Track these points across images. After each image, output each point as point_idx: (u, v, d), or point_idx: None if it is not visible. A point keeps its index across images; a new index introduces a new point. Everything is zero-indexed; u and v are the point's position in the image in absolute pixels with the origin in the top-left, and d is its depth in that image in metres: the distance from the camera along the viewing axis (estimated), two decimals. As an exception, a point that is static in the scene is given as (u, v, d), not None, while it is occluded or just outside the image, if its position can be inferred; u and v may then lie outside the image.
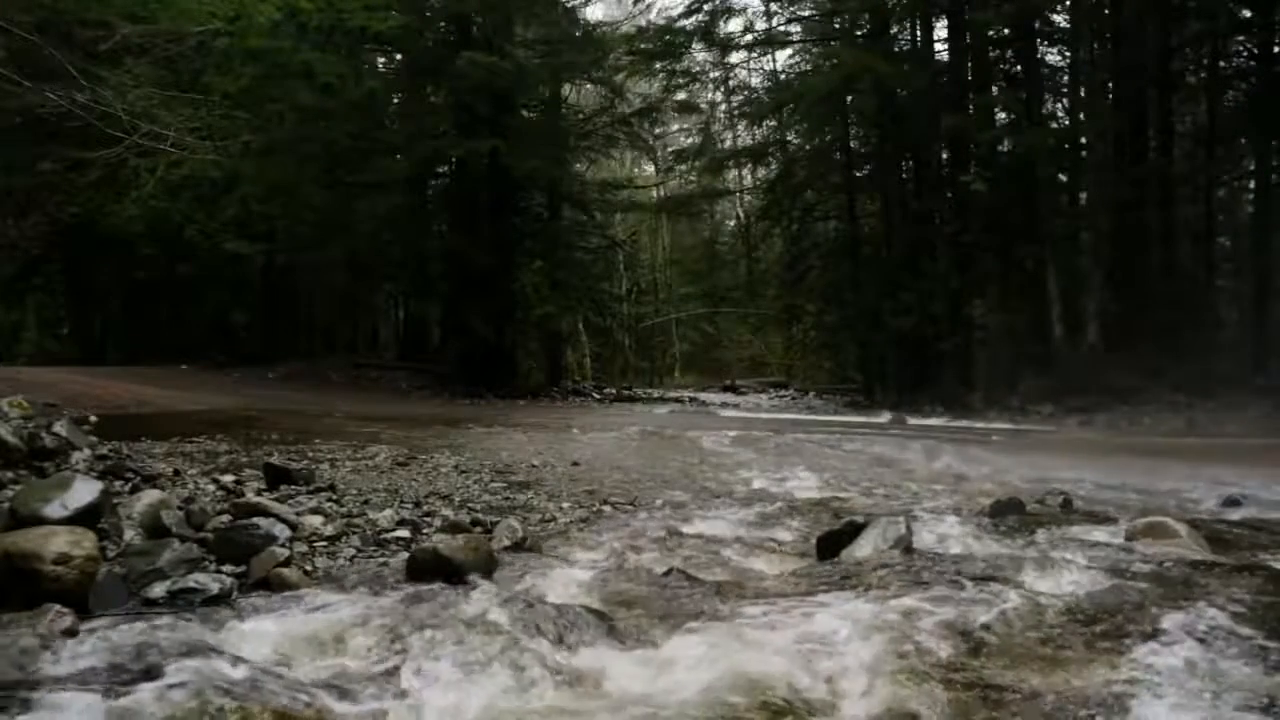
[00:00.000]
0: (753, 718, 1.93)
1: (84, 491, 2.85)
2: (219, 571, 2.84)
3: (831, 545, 3.43)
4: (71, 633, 2.13)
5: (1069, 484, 5.48)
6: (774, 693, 2.03)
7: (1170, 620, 2.42)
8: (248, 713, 1.51)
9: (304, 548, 3.23)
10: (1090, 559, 3.12)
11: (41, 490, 2.89)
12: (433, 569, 2.91)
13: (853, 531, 3.39)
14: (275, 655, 2.14)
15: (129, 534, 3.05)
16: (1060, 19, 17.38)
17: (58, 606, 2.22)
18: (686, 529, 4.02)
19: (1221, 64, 16.97)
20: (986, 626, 2.39)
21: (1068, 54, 17.12)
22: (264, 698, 1.74)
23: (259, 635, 2.26)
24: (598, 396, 18.29)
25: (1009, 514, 4.19)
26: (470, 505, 4.51)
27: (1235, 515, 4.50)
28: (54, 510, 2.69)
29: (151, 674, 1.87)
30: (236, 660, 2.00)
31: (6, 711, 1.69)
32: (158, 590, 2.59)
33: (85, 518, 2.74)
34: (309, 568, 3.04)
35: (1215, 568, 2.95)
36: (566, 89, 20.61)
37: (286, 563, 2.92)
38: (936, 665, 2.20)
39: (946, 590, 2.69)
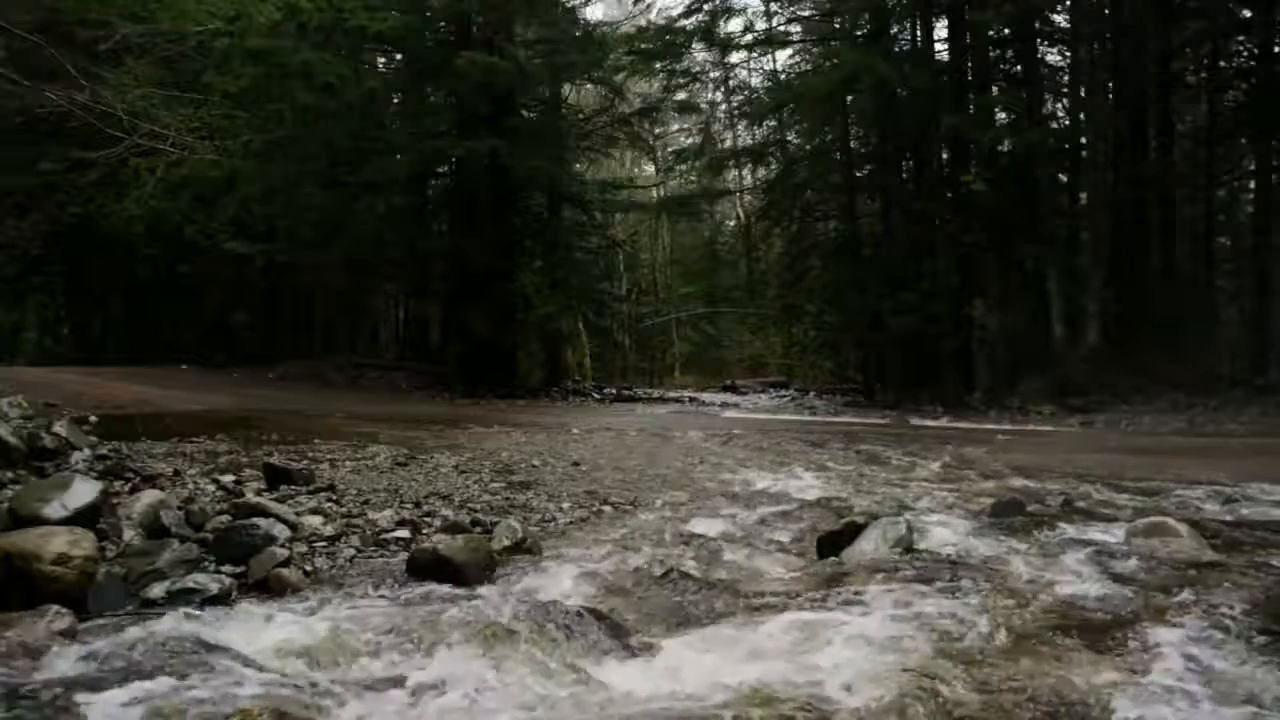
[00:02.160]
0: (753, 717, 1.93)
1: (83, 492, 2.85)
2: (218, 572, 2.83)
3: (832, 545, 3.42)
4: (70, 633, 2.13)
5: (1070, 484, 5.47)
6: (774, 693, 2.03)
7: (1172, 619, 2.42)
8: (247, 713, 1.51)
9: (304, 548, 3.22)
10: (1091, 559, 3.11)
11: (41, 490, 2.89)
12: (432, 569, 2.91)
13: (853, 532, 3.39)
14: (274, 656, 2.13)
15: (128, 534, 3.05)
16: (1060, 19, 17.39)
17: (56, 607, 2.21)
18: (686, 529, 4.01)
19: (1221, 64, 16.97)
20: (987, 626, 2.38)
21: (1068, 54, 17.12)
22: (263, 698, 1.73)
23: (258, 636, 2.25)
24: (598, 396, 18.28)
25: (1010, 514, 4.19)
26: (470, 505, 4.50)
27: (1234, 515, 4.48)
28: (53, 510, 2.69)
29: (150, 674, 1.86)
30: (235, 660, 1.99)
31: (7, 712, 1.68)
32: (157, 590, 2.59)
33: (84, 518, 2.74)
34: (309, 568, 3.03)
35: (1216, 567, 2.94)
36: (567, 89, 20.59)
37: (286, 563, 2.91)
38: (937, 665, 2.19)
39: (947, 590, 2.69)
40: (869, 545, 3.25)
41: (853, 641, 2.27)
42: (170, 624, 2.28)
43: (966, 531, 3.73)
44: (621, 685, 2.06)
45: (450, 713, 1.85)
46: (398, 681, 1.99)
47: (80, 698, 1.78)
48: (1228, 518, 4.40)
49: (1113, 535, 3.58)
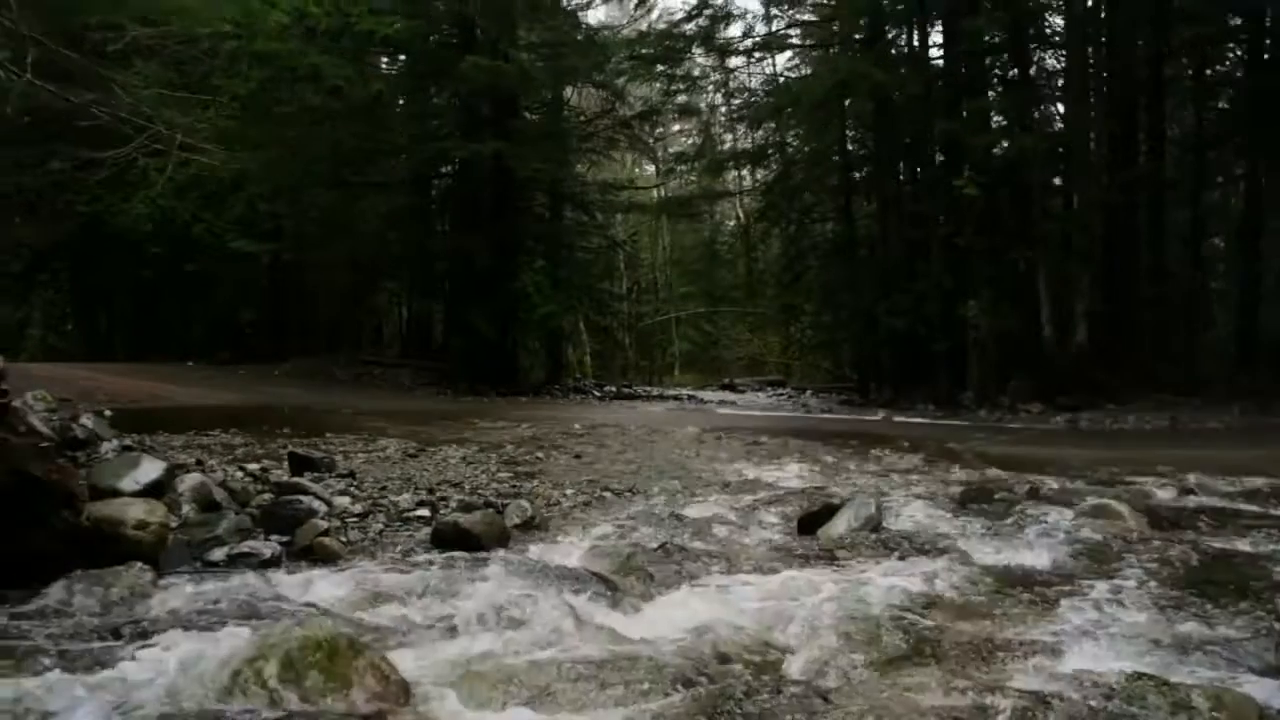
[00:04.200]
0: (731, 660, 2.29)
1: (151, 469, 3.22)
2: (268, 540, 3.21)
3: (810, 524, 3.79)
4: (156, 585, 2.49)
5: (1040, 475, 5.81)
6: (751, 640, 2.39)
7: (1097, 584, 2.79)
8: (321, 637, 1.86)
9: (338, 523, 3.58)
10: (1040, 536, 3.49)
11: (114, 467, 3.26)
12: (454, 540, 3.28)
13: (828, 512, 3.76)
14: (331, 605, 2.50)
15: (184, 508, 3.41)
16: (1055, 22, 17.73)
17: (140, 564, 2.58)
18: (681, 512, 4.36)
19: (1208, 71, 17.32)
20: (933, 588, 2.75)
21: (1062, 58, 17.46)
22: (334, 631, 2.09)
23: (313, 591, 2.62)
24: (598, 394, 18.63)
25: (977, 501, 4.55)
26: (480, 492, 4.83)
27: (1187, 502, 4.84)
28: (127, 484, 3.06)
29: (232, 615, 2.23)
30: (297, 607, 2.36)
31: (123, 646, 2.04)
32: (217, 555, 2.96)
33: (153, 491, 3.11)
34: (345, 539, 3.40)
35: (1146, 542, 3.31)
36: (569, 92, 20.93)
37: (326, 533, 3.28)
38: (889, 620, 2.55)
39: (906, 560, 3.06)
40: (842, 524, 3.62)
41: (816, 600, 2.63)
42: (235, 580, 2.65)
43: (934, 514, 4.09)
44: (619, 630, 2.42)
45: (482, 645, 2.21)
46: (437, 623, 2.36)
47: (173, 635, 2.15)
48: (1180, 504, 4.76)
49: (1064, 518, 3.94)
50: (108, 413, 7.68)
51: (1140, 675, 1.95)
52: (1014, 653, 2.28)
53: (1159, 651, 2.28)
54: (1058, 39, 17.71)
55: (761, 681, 2.04)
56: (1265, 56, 16.12)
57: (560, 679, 2.00)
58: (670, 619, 2.48)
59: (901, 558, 3.08)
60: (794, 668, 2.15)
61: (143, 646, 2.03)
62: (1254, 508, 4.71)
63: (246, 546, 3.02)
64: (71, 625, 2.18)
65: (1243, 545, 3.59)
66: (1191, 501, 4.85)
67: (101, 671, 1.88)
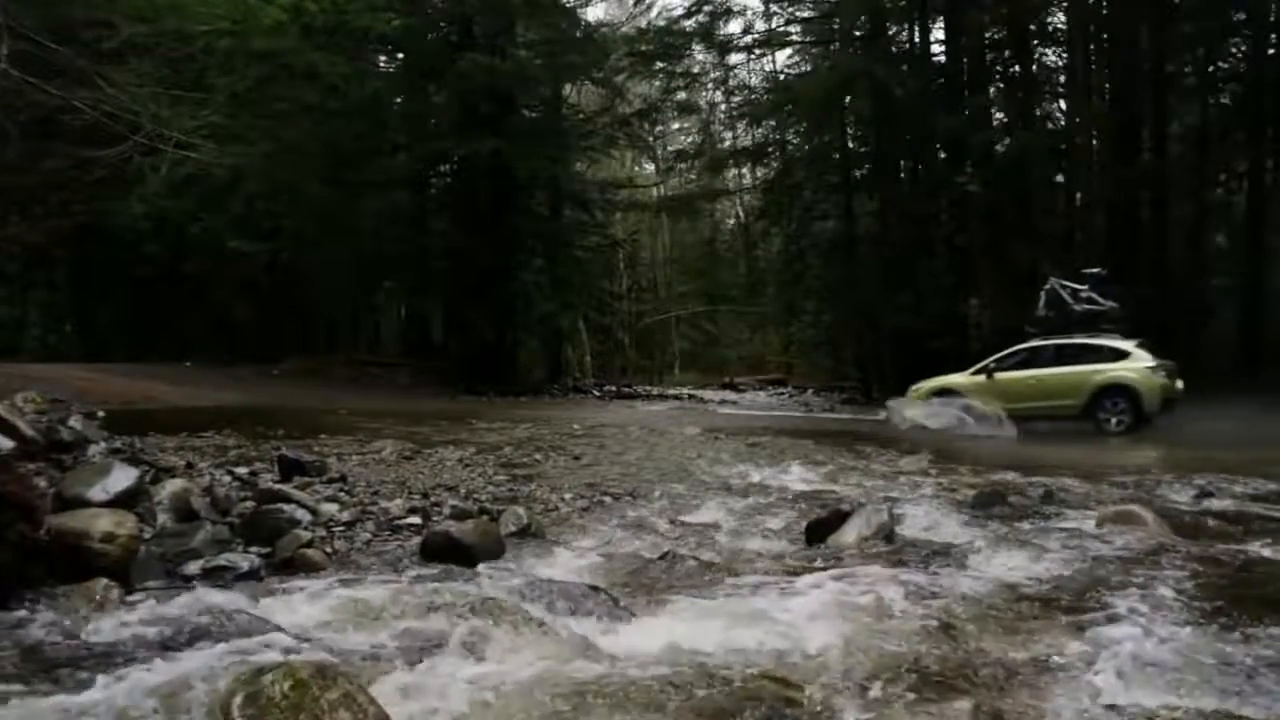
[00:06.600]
0: (741, 685, 2.13)
1: (122, 477, 3.05)
2: (247, 551, 3.04)
3: (819, 532, 3.63)
4: (120, 603, 2.33)
5: (1053, 477, 5.66)
6: (761, 661, 2.23)
7: (1126, 596, 2.63)
8: (291, 668, 1.70)
9: (323, 532, 3.42)
10: (1061, 543, 3.32)
11: (84, 476, 3.10)
12: (445, 551, 3.12)
13: (839, 519, 3.60)
14: (308, 625, 2.33)
15: (161, 518, 3.25)
16: (1058, 18, 17.58)
17: (106, 580, 2.42)
18: (683, 518, 4.21)
19: (1210, 68, 17.16)
20: (956, 602, 2.59)
21: (1064, 55, 17.32)
22: (303, 657, 1.93)
23: (290, 608, 2.46)
24: (598, 394, 18.49)
25: (991, 505, 4.39)
26: (476, 496, 4.68)
27: (1205, 506, 4.70)
28: (96, 494, 2.90)
29: (200, 636, 2.07)
30: (271, 627, 2.20)
31: (79, 669, 1.89)
32: (192, 568, 2.80)
33: (124, 502, 2.94)
34: (329, 550, 3.24)
35: (1174, 551, 3.16)
36: (567, 89, 20.80)
37: (309, 544, 3.12)
38: (908, 639, 2.39)
39: (923, 571, 2.89)
40: (853, 531, 3.46)
41: (826, 613, 2.48)
42: (208, 596, 2.48)
43: (948, 520, 3.94)
44: (620, 651, 2.26)
45: (471, 671, 2.05)
46: (422, 645, 2.20)
47: (135, 658, 1.99)
48: (1198, 508, 4.61)
49: (1085, 523, 3.79)
50: (100, 414, 7.55)
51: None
52: (1047, 678, 2.12)
53: (1204, 679, 2.12)
54: (1060, 34, 17.57)
55: (773, 709, 1.89)
56: (1270, 51, 15.95)
57: (556, 708, 1.84)
58: (674, 638, 2.32)
59: (918, 569, 2.92)
60: (806, 693, 1.99)
61: (99, 671, 1.88)
62: (1271, 511, 4.56)
63: (223, 559, 2.86)
64: (24, 647, 2.02)
65: (1270, 553, 3.44)
66: (1210, 505, 4.71)
67: (52, 698, 1.73)
